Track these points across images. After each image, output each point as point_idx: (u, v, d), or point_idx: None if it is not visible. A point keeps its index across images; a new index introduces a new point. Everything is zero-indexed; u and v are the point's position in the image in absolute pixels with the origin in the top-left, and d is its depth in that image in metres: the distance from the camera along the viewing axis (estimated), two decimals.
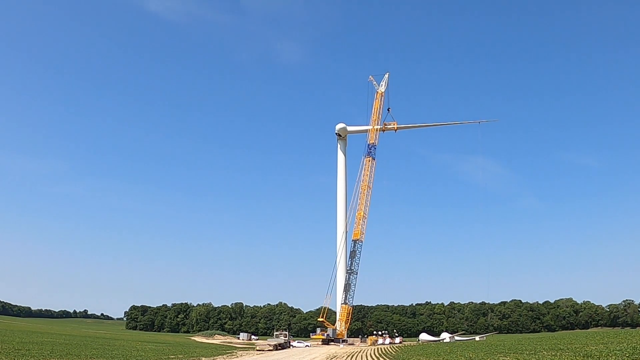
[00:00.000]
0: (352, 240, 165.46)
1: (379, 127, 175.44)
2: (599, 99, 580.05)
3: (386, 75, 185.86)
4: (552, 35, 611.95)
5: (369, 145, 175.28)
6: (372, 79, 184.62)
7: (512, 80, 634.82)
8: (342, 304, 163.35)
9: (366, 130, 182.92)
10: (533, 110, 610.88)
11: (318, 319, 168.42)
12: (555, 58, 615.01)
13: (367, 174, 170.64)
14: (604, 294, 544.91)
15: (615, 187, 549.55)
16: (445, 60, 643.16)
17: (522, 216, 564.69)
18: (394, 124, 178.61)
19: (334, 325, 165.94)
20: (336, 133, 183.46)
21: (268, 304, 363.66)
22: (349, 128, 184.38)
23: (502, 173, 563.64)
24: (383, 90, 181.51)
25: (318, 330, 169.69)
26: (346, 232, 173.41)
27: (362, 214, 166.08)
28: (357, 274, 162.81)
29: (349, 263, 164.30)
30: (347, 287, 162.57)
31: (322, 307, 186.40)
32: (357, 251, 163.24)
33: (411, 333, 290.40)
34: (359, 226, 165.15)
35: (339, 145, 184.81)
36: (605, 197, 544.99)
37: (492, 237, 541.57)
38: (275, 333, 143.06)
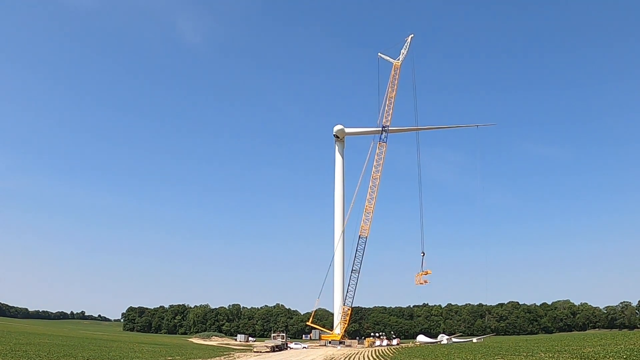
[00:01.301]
0: (358, 237, 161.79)
1: (378, 128, 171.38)
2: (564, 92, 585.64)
3: (409, 38, 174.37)
4: (516, 30, 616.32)
5: (382, 127, 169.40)
6: (381, 55, 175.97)
7: (475, 75, 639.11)
8: (343, 304, 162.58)
9: (364, 132, 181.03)
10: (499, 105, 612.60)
11: (307, 323, 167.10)
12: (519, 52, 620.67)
13: (379, 160, 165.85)
14: (601, 296, 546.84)
15: (613, 189, 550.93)
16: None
17: (521, 218, 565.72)
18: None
19: (329, 328, 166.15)
20: (334, 134, 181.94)
21: (265, 305, 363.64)
22: (347, 130, 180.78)
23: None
24: (401, 61, 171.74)
25: (312, 334, 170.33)
26: (343, 232, 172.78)
27: (369, 206, 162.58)
28: (358, 273, 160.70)
29: (352, 262, 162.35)
30: (348, 287, 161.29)
31: (317, 309, 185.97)
32: (361, 248, 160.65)
33: (408, 335, 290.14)
34: (367, 222, 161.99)
35: (336, 147, 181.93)
36: (603, 199, 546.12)
37: (490, 238, 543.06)
38: (272, 335, 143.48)
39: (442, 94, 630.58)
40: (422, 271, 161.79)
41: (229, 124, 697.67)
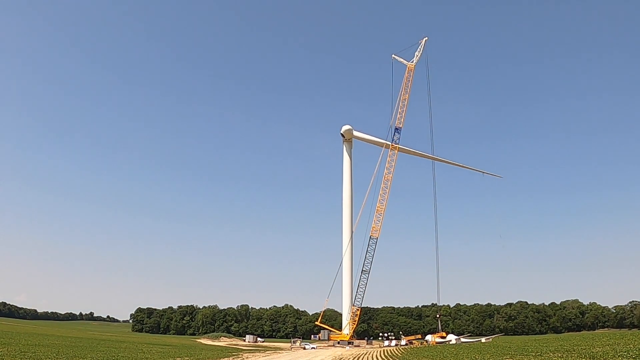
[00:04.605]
0: (369, 237, 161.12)
1: (385, 141, 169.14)
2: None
3: (423, 41, 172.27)
4: (529, 35, 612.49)
5: (396, 129, 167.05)
6: (395, 57, 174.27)
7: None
8: (352, 305, 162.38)
9: (372, 141, 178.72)
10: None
11: (315, 323, 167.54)
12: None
13: (391, 162, 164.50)
14: (610, 295, 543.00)
15: (622, 187, 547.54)
16: None
17: (527, 217, 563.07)
18: None
19: (337, 328, 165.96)
20: (341, 134, 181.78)
21: (274, 306, 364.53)
22: (355, 133, 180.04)
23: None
24: (414, 64, 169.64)
25: (321, 334, 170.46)
26: (352, 233, 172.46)
27: (380, 207, 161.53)
28: (368, 274, 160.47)
29: (362, 262, 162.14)
30: (357, 288, 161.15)
31: (326, 309, 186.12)
32: (371, 249, 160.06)
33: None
34: (378, 223, 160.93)
35: (344, 147, 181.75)
36: (611, 197, 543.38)
37: (498, 238, 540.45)
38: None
39: (454, 97, 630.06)
40: (439, 333, 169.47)
41: (232, 126, 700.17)
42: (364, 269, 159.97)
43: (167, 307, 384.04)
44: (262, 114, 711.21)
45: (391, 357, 77.49)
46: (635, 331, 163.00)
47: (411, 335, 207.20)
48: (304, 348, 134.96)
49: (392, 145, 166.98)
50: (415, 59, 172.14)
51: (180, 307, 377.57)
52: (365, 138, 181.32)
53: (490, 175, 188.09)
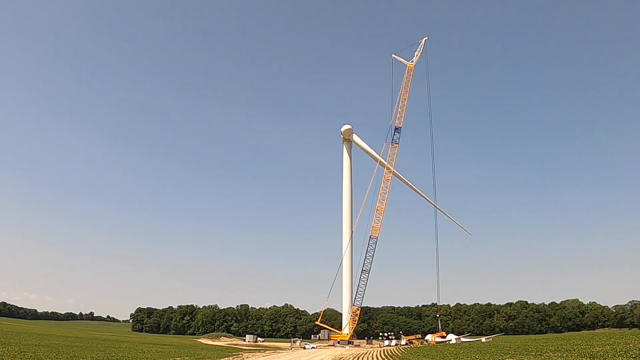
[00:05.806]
0: (369, 237, 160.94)
1: (385, 161, 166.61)
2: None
3: (423, 41, 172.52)
4: (530, 33, 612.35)
5: (396, 128, 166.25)
6: (395, 56, 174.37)
7: None
8: (352, 304, 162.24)
9: (369, 153, 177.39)
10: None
11: (316, 323, 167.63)
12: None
13: (390, 162, 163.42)
14: (610, 295, 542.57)
15: (623, 186, 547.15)
16: None
17: (527, 217, 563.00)
18: None
19: (337, 328, 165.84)
20: (341, 132, 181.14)
21: (274, 305, 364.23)
22: (355, 138, 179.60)
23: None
24: (414, 63, 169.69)
25: (321, 333, 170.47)
26: (352, 233, 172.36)
27: (380, 207, 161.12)
28: (368, 273, 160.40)
29: (362, 262, 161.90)
30: (357, 288, 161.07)
31: (326, 309, 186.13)
32: (372, 249, 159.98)
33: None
34: (378, 222, 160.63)
35: (344, 147, 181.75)
36: (612, 197, 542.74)
37: (497, 237, 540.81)
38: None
39: (453, 96, 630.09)
40: (439, 332, 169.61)
41: (232, 126, 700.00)
42: (364, 269, 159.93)
43: (167, 307, 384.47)
44: (262, 113, 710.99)
45: (391, 357, 77.54)
46: (635, 331, 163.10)
47: (411, 335, 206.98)
48: (304, 348, 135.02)
49: (391, 144, 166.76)
50: (415, 59, 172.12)
51: (180, 307, 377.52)
52: (363, 147, 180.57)
53: (463, 229, 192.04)
